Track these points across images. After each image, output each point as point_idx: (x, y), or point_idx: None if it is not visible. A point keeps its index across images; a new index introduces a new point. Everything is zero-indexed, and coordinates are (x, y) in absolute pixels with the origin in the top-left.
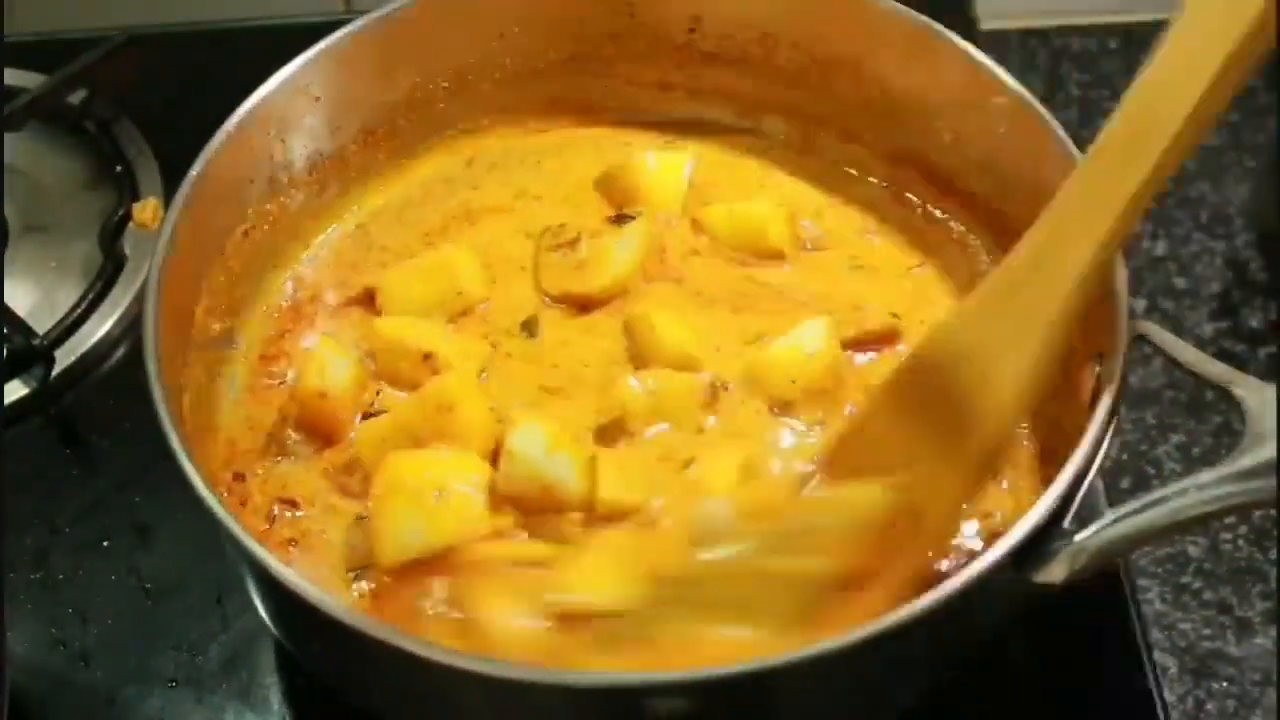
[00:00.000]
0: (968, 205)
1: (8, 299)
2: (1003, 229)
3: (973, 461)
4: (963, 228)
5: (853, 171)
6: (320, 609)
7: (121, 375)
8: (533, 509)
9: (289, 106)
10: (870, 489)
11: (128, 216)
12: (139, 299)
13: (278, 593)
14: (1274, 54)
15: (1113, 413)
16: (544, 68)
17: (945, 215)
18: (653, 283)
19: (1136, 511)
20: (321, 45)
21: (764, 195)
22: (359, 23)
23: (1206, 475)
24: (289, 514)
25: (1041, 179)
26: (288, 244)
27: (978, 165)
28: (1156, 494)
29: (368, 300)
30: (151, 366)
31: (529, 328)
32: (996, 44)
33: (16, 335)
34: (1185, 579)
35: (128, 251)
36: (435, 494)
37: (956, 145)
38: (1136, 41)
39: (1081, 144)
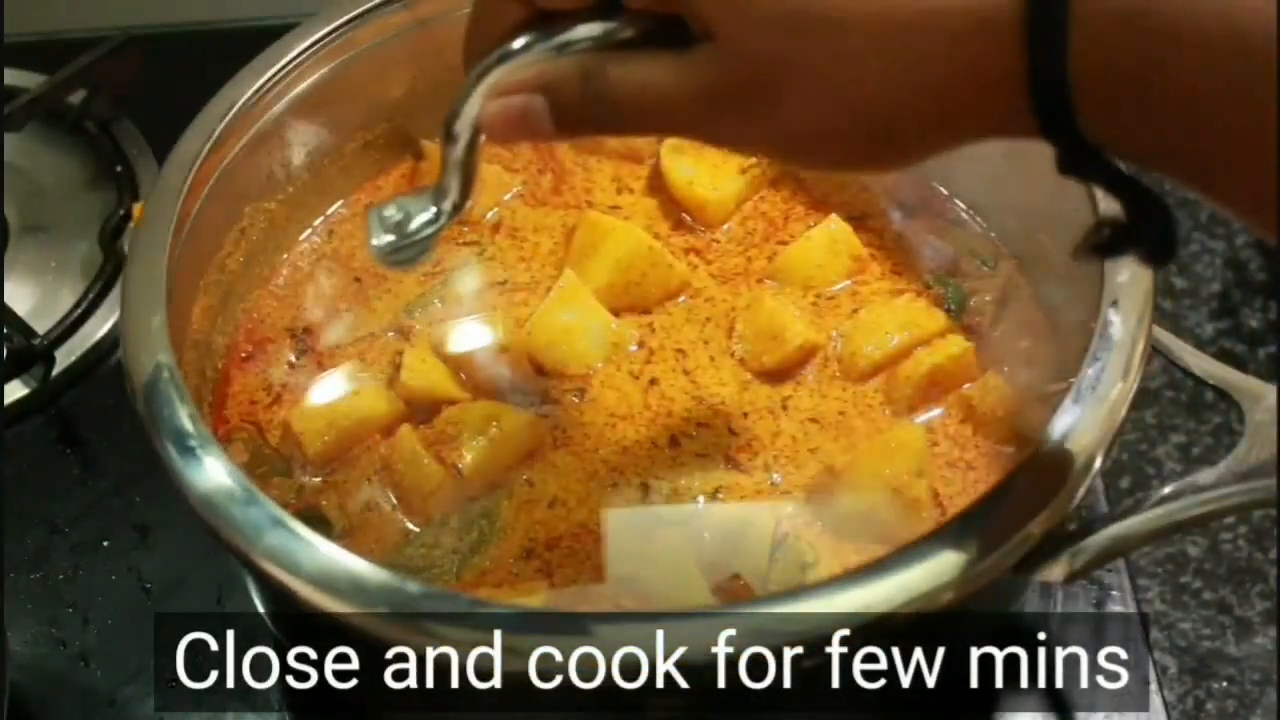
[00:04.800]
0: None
1: (8, 299)
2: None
3: None
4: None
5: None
6: (320, 609)
7: (121, 375)
8: None
9: (288, 105)
10: None
11: (128, 216)
12: None
13: (277, 593)
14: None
15: None
16: None
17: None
18: None
19: (1136, 511)
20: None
21: None
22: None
23: (1206, 475)
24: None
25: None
26: (285, 242)
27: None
28: (1156, 494)
29: None
30: None
31: None
32: None
33: (16, 335)
34: (1185, 579)
35: (128, 251)
36: None
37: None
38: None
39: None
